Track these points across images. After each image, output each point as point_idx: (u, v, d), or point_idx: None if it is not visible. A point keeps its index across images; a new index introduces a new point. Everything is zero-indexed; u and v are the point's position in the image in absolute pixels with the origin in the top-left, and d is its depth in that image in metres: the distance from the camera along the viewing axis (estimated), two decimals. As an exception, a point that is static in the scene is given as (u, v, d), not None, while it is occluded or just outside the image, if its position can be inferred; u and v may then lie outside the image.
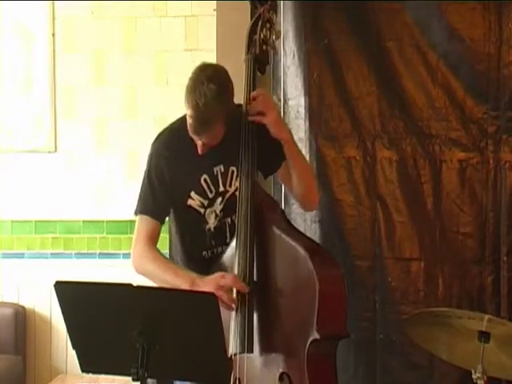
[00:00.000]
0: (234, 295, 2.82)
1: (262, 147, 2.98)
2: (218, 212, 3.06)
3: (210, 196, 3.05)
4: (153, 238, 3.03)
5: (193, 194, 3.03)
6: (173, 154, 3.04)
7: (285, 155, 3.07)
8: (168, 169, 3.03)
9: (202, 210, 3.05)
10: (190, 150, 2.98)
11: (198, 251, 3.07)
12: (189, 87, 2.88)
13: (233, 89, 2.95)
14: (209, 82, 2.84)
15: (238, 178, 2.98)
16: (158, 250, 3.04)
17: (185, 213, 3.06)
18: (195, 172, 3.03)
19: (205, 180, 3.04)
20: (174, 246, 3.17)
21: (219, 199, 3.06)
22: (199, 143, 2.94)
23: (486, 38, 4.14)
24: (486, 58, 4.15)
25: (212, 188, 3.05)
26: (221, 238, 3.07)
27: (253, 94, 3.00)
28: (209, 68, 2.94)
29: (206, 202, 3.05)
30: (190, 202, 3.04)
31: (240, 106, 3.02)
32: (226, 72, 2.95)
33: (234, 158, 2.99)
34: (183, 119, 2.98)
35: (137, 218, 3.08)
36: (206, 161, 3.01)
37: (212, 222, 3.06)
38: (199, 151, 2.95)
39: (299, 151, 3.18)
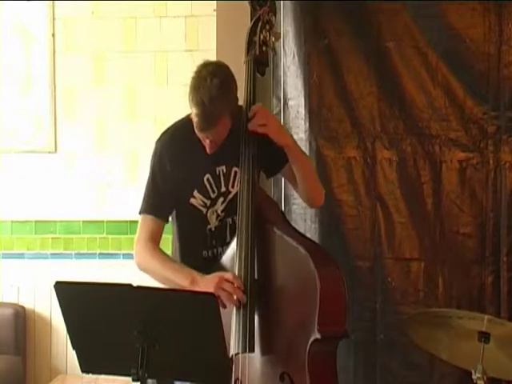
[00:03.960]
0: (235, 297, 2.82)
1: (264, 149, 2.98)
2: (219, 212, 3.07)
3: (213, 196, 3.05)
4: (154, 237, 3.04)
5: (195, 192, 3.04)
6: (177, 152, 3.04)
7: (287, 158, 3.07)
8: (171, 166, 3.03)
9: (203, 210, 3.06)
10: (194, 149, 2.99)
11: (199, 250, 3.07)
12: (192, 85, 2.89)
13: (236, 84, 2.95)
14: (212, 78, 2.85)
15: (239, 178, 2.98)
16: (160, 249, 3.04)
17: (187, 211, 3.06)
18: (198, 171, 3.04)
19: (207, 179, 3.04)
20: (174, 244, 3.17)
21: (221, 199, 3.06)
22: (207, 142, 2.93)
23: (485, 38, 4.14)
24: (486, 58, 4.15)
25: (214, 188, 3.05)
26: (221, 238, 3.08)
27: (252, 109, 2.98)
28: (211, 64, 2.96)
29: (208, 202, 3.05)
30: (192, 200, 3.04)
31: (241, 107, 3.01)
32: (227, 67, 2.96)
33: (236, 158, 2.98)
34: (188, 119, 2.97)
35: (140, 217, 3.08)
36: (209, 160, 3.01)
37: (213, 223, 3.07)
38: (208, 150, 2.95)
39: (302, 154, 3.17)
